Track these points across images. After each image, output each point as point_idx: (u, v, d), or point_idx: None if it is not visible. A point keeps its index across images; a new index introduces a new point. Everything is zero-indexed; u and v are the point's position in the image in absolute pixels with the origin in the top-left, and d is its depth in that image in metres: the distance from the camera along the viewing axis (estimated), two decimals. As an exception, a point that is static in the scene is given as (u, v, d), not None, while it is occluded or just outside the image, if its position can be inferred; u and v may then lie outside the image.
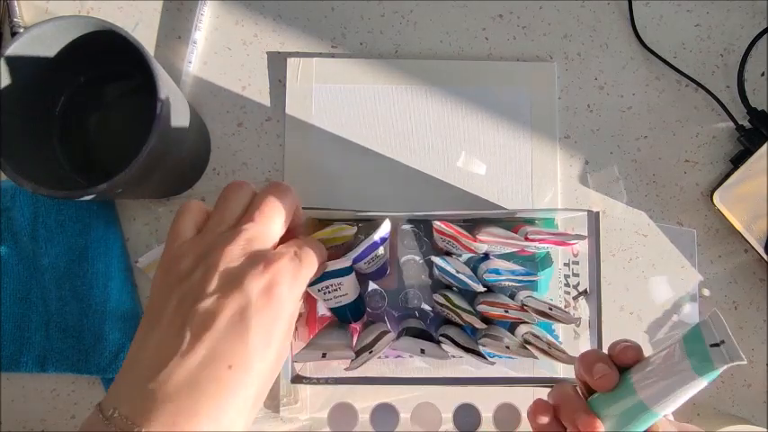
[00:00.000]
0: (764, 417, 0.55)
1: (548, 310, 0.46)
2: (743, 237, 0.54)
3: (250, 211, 0.33)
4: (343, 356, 0.43)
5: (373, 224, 0.46)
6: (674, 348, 0.31)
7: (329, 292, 0.42)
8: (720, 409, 0.55)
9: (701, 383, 0.29)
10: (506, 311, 0.47)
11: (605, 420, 0.32)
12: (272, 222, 0.33)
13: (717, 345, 0.28)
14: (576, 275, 0.49)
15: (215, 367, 0.27)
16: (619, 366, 0.33)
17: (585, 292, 0.47)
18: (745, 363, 0.27)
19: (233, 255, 0.31)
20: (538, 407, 0.36)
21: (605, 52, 0.58)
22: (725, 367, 0.28)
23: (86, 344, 0.53)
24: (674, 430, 0.34)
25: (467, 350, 0.46)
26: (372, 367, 0.50)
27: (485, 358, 0.46)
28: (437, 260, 0.46)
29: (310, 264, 0.34)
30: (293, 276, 0.32)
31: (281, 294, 0.30)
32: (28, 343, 0.53)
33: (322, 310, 0.52)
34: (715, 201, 0.54)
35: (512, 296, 0.51)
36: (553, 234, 0.47)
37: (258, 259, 0.31)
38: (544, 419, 0.35)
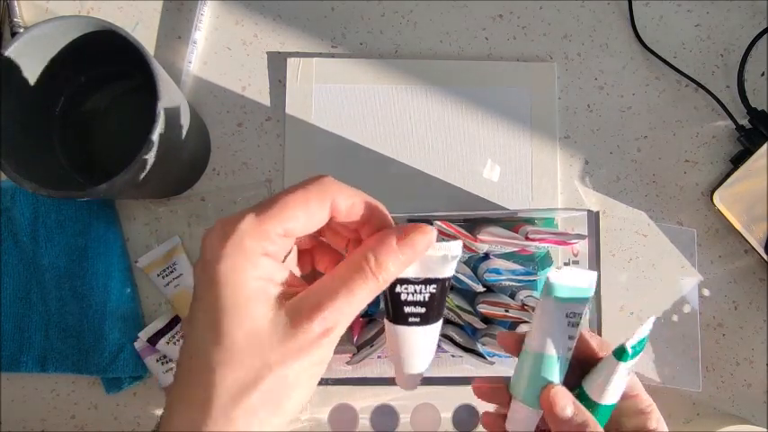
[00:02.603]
0: (764, 417, 0.55)
1: None
2: (743, 237, 0.54)
3: None
4: (345, 351, 0.43)
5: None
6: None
7: None
8: (720, 409, 0.55)
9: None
10: (507, 311, 0.47)
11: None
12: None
13: None
14: None
15: (181, 357, 0.26)
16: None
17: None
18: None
19: None
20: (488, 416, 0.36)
21: (605, 52, 0.58)
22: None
23: (86, 344, 0.53)
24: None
25: (467, 350, 0.46)
26: (372, 368, 0.50)
27: (485, 358, 0.46)
28: None
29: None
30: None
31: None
32: (28, 343, 0.54)
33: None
34: (715, 201, 0.54)
35: (512, 296, 0.51)
36: (553, 234, 0.47)
37: None
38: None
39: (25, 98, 0.46)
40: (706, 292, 0.56)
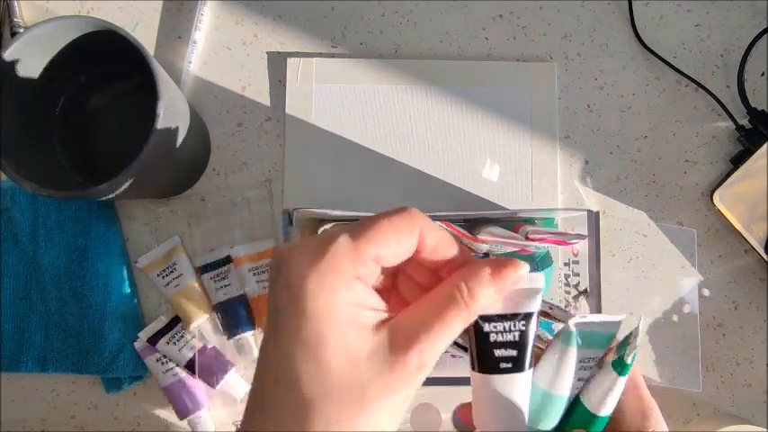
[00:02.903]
0: (764, 417, 0.55)
1: (548, 310, 0.46)
2: (743, 237, 0.54)
3: None
4: None
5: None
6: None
7: None
8: (720, 409, 0.55)
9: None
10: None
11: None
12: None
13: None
14: (577, 275, 0.49)
15: (263, 381, 0.25)
16: None
17: (585, 291, 0.47)
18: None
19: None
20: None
21: (605, 52, 0.58)
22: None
23: (86, 344, 0.53)
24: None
25: (467, 350, 0.46)
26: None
27: None
28: None
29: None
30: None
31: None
32: (28, 343, 0.54)
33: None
34: (715, 201, 0.54)
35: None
36: (553, 234, 0.47)
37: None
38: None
39: (25, 98, 0.46)
40: (706, 292, 0.56)
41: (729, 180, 0.54)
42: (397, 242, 0.25)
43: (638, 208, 0.56)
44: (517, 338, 0.26)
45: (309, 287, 0.23)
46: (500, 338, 0.26)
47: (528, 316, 0.26)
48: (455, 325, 0.25)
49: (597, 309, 0.46)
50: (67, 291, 0.53)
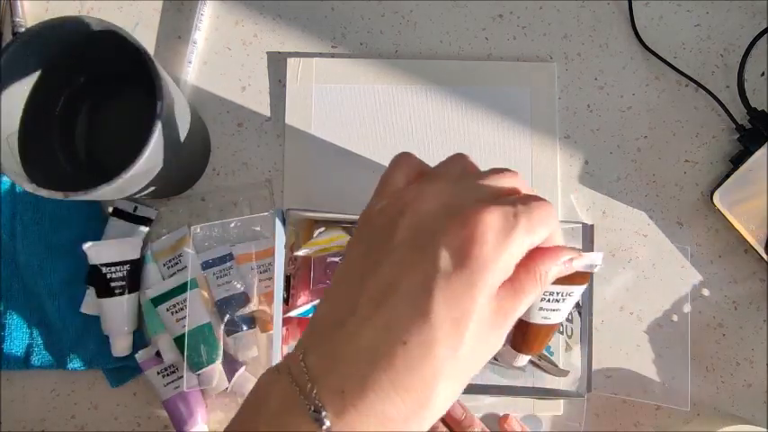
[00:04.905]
0: (764, 417, 0.55)
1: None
2: (743, 236, 0.54)
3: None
4: None
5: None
6: None
7: None
8: (720, 409, 0.55)
9: None
10: None
11: None
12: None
13: None
14: None
15: (388, 340, 0.24)
16: None
17: (578, 305, 0.47)
18: None
19: (429, 205, 0.26)
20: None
21: (605, 52, 0.58)
22: None
23: (69, 339, 0.53)
24: None
25: None
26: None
27: None
28: None
29: (532, 224, 0.26)
30: (504, 235, 0.25)
31: (478, 258, 0.24)
32: (9, 339, 0.54)
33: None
34: (715, 201, 0.54)
35: None
36: None
37: (455, 210, 0.26)
38: None
39: (25, 98, 0.46)
40: (706, 292, 0.56)
41: (729, 180, 0.53)
42: (548, 231, 0.27)
43: (638, 208, 0.56)
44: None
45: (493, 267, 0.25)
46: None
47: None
48: (530, 296, 0.27)
49: (588, 324, 0.46)
50: (42, 288, 0.53)
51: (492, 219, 0.25)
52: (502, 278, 0.26)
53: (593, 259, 0.29)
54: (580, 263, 0.29)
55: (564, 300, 0.35)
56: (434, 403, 0.25)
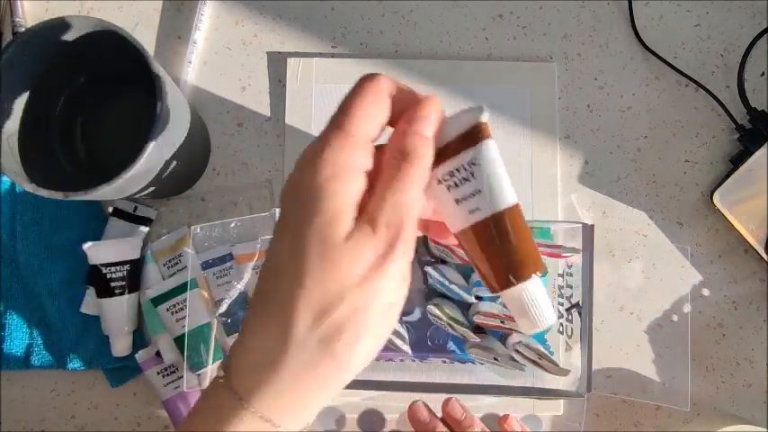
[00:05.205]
0: (764, 417, 0.55)
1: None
2: (743, 236, 0.54)
3: None
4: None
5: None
6: None
7: None
8: (720, 409, 0.55)
9: None
10: (502, 322, 0.47)
11: None
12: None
13: None
14: (570, 287, 0.49)
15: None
16: None
17: (578, 305, 0.47)
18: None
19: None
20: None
21: (605, 52, 0.58)
22: None
23: (69, 339, 0.53)
24: None
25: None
26: (363, 372, 0.50)
27: (473, 363, 0.46)
28: (431, 271, 0.46)
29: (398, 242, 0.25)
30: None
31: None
32: (9, 339, 0.54)
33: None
34: (715, 201, 0.54)
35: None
36: (548, 246, 0.47)
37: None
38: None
39: (25, 98, 0.46)
40: (706, 292, 0.56)
41: (729, 180, 0.53)
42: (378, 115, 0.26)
43: (638, 208, 0.56)
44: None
45: (317, 181, 0.25)
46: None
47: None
48: (412, 181, 0.25)
49: (588, 324, 0.46)
50: (43, 288, 0.53)
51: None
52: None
53: (468, 112, 0.26)
54: (453, 125, 0.26)
55: (472, 173, 0.26)
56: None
